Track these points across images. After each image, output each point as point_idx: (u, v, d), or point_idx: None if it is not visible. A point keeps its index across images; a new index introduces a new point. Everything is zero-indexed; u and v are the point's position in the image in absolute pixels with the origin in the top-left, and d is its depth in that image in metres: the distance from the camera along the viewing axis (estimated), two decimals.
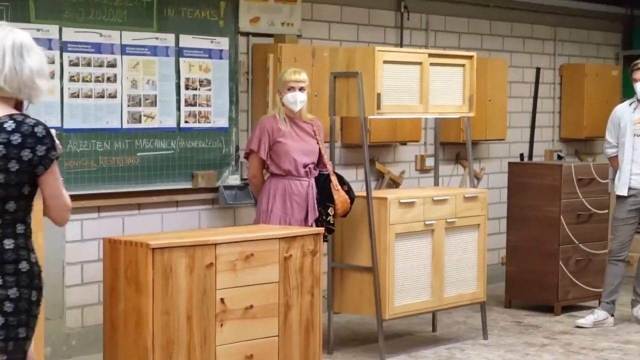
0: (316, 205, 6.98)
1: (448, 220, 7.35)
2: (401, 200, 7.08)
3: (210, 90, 7.53)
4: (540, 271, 8.67)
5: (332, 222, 7.02)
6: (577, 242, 8.67)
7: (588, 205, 8.74)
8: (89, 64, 6.84)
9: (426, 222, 7.21)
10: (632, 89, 8.24)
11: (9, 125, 3.76)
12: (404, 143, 9.07)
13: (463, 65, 7.58)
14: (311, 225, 6.84)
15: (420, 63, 7.26)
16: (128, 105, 7.09)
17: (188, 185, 7.45)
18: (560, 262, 8.59)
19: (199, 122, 7.48)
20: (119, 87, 7.03)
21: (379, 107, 6.98)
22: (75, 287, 6.87)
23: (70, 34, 6.74)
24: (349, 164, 8.60)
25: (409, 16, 9.08)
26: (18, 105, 3.87)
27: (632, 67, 8.28)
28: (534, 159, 10.37)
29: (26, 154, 3.75)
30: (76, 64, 6.78)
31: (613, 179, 8.53)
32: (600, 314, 8.24)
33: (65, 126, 6.69)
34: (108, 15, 6.94)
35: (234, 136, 7.68)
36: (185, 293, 5.48)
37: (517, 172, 8.93)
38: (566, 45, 10.78)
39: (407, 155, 9.22)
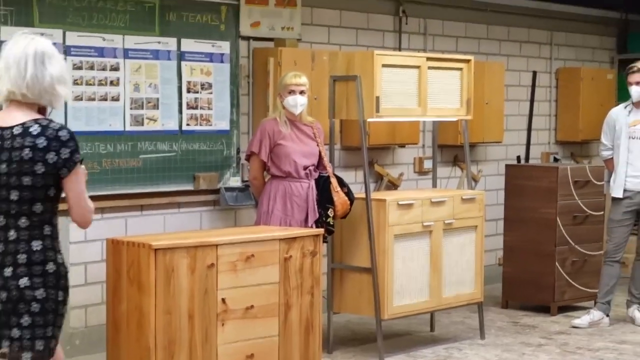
0: (316, 207, 6.98)
1: (446, 221, 7.36)
2: (400, 202, 7.08)
3: (211, 93, 7.53)
4: (536, 272, 8.67)
5: (331, 223, 7.02)
6: (573, 244, 8.67)
7: (584, 207, 8.74)
8: (92, 68, 6.84)
9: (424, 224, 7.22)
10: (627, 92, 8.24)
11: (35, 129, 3.86)
12: (402, 145, 9.07)
13: (461, 69, 7.59)
14: (311, 227, 6.85)
15: (418, 67, 7.27)
16: (130, 108, 7.09)
17: (190, 187, 7.45)
18: (557, 263, 8.60)
19: (200, 124, 7.48)
20: (121, 90, 7.03)
21: (377, 110, 6.98)
22: (79, 287, 6.87)
23: (74, 38, 6.75)
24: (348, 166, 8.61)
25: (407, 20, 9.09)
26: (41, 110, 3.97)
27: (627, 71, 8.28)
28: (531, 162, 10.37)
29: (51, 156, 3.85)
30: (79, 68, 6.78)
31: (608, 181, 8.53)
32: (596, 314, 8.24)
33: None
34: (111, 20, 6.95)
35: (235, 139, 7.68)
36: (187, 293, 5.48)
37: (514, 174, 8.93)
38: (562, 49, 10.79)
39: (405, 157, 9.22)
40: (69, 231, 6.49)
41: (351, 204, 7.05)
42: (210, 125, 7.53)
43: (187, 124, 7.42)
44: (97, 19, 6.87)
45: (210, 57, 7.52)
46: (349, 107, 7.10)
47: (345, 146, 8.54)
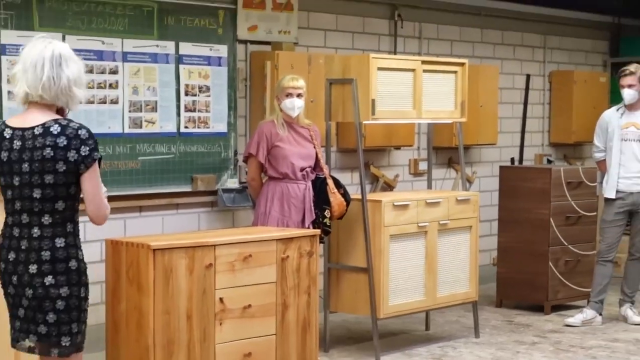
0: (313, 208, 6.98)
1: (441, 222, 7.35)
2: (395, 203, 7.08)
3: (209, 96, 7.53)
4: (530, 272, 8.67)
5: (328, 224, 7.02)
6: (566, 244, 8.67)
7: (577, 208, 8.74)
8: (91, 71, 6.84)
9: (419, 224, 7.21)
10: (620, 95, 8.24)
11: (55, 128, 3.97)
12: (398, 147, 9.07)
13: (455, 72, 7.58)
14: (308, 227, 6.85)
15: (413, 70, 7.26)
16: (129, 111, 7.09)
17: (188, 189, 7.45)
18: (550, 263, 8.59)
19: (198, 127, 7.48)
20: (120, 93, 7.03)
21: (373, 113, 6.98)
22: None
23: (73, 42, 6.73)
24: (345, 167, 8.61)
25: (402, 24, 9.09)
26: (59, 111, 4.07)
27: (619, 74, 8.28)
28: (524, 163, 10.37)
29: (72, 154, 3.96)
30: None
31: (601, 182, 8.53)
32: (588, 313, 8.24)
33: None
34: (110, 24, 6.95)
35: (233, 141, 7.68)
36: (186, 293, 5.47)
37: (508, 175, 8.93)
38: (555, 53, 10.79)
39: (401, 159, 9.22)
40: None
41: (347, 205, 7.05)
42: (208, 127, 7.53)
43: (185, 127, 7.41)
44: (97, 22, 6.87)
45: (208, 61, 7.52)
46: (345, 109, 7.09)
47: (342, 148, 8.54)
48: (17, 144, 4.02)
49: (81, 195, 4.08)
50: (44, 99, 4.00)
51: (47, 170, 3.96)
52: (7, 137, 4.06)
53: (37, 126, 3.99)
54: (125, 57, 7.05)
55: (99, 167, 4.06)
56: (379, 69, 7.02)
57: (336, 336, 7.60)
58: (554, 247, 8.61)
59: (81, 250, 4.10)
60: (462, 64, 7.64)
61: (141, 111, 7.16)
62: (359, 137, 7.10)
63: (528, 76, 10.44)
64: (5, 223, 4.12)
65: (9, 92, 6.49)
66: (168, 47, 7.29)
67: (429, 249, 7.28)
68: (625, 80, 8.16)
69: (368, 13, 8.86)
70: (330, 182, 7.04)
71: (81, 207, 4.12)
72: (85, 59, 6.76)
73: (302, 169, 6.98)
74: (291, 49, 8.01)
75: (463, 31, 9.75)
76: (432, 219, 7.29)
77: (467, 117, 7.76)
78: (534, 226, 8.64)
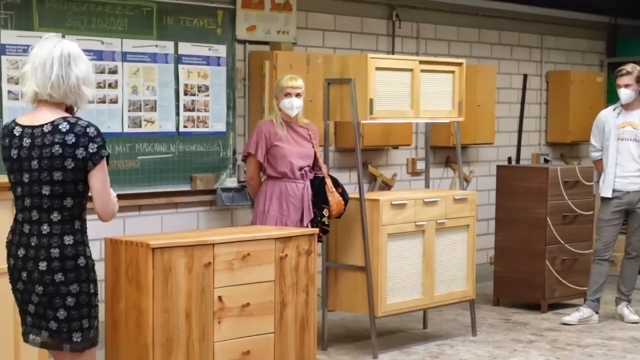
0: (311, 207, 6.98)
1: (438, 221, 7.35)
2: (393, 202, 7.08)
3: (208, 96, 7.53)
4: (527, 270, 8.67)
5: (326, 223, 7.02)
6: (563, 243, 8.68)
7: (574, 207, 8.74)
8: None
9: (417, 223, 7.21)
10: (617, 94, 8.25)
11: (64, 126, 4.01)
12: (395, 147, 9.07)
13: (453, 72, 7.58)
14: (306, 226, 6.85)
15: (411, 70, 7.26)
16: (129, 111, 7.09)
17: (187, 188, 7.45)
18: (547, 262, 8.59)
19: (197, 126, 7.48)
20: (119, 92, 7.03)
21: (371, 112, 6.98)
22: None
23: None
24: (343, 167, 8.61)
25: (400, 25, 9.09)
26: (68, 110, 4.12)
27: (616, 74, 8.28)
28: (522, 162, 10.37)
29: (80, 152, 4.01)
30: None
31: (598, 182, 8.53)
32: (585, 311, 8.24)
33: None
34: (109, 24, 6.94)
35: (231, 140, 7.68)
36: (185, 291, 5.47)
37: (505, 175, 8.93)
38: (552, 53, 10.79)
39: (398, 158, 9.22)
40: None
41: (346, 204, 7.05)
42: (207, 127, 7.53)
43: (184, 126, 7.41)
44: (96, 23, 6.86)
45: (207, 61, 7.51)
46: (343, 109, 7.09)
47: (340, 147, 8.54)
48: (26, 141, 4.06)
49: (89, 194, 4.12)
50: (53, 97, 4.04)
51: (55, 167, 4.00)
52: (17, 134, 4.09)
53: (46, 124, 4.02)
54: (125, 57, 7.05)
55: (107, 164, 4.11)
56: (377, 68, 7.02)
57: (334, 334, 7.60)
58: (551, 246, 8.62)
59: (89, 247, 4.14)
60: (460, 64, 7.64)
61: (140, 111, 7.16)
62: (357, 137, 7.10)
63: (525, 76, 10.44)
64: (15, 220, 4.17)
65: (8, 92, 6.49)
66: (167, 47, 7.28)
67: (427, 247, 7.28)
68: (622, 80, 8.16)
69: (366, 13, 8.86)
70: (328, 181, 7.04)
71: (89, 205, 4.17)
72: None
73: (300, 168, 6.98)
74: (290, 49, 8.01)
75: (460, 31, 9.75)
76: (429, 218, 7.29)
77: (465, 117, 7.76)
78: (531, 225, 8.64)
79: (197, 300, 5.52)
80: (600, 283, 8.24)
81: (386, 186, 9.01)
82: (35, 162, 4.03)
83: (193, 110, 7.45)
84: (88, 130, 4.03)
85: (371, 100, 6.96)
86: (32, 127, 4.05)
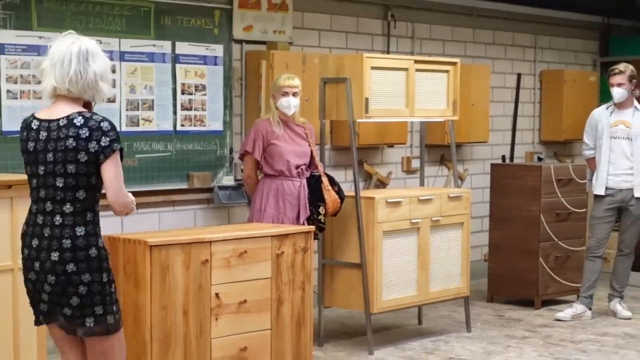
0: (308, 205, 6.98)
1: (433, 218, 7.35)
2: (388, 200, 7.08)
3: (205, 95, 7.52)
4: (521, 267, 8.67)
5: (322, 220, 7.02)
6: (556, 240, 8.68)
7: (567, 205, 8.74)
8: None
9: (412, 221, 7.21)
10: (609, 94, 8.25)
11: (78, 120, 4.10)
12: (390, 145, 9.06)
13: (447, 71, 7.58)
14: (303, 224, 6.84)
15: (406, 69, 7.26)
16: (127, 109, 7.08)
17: (184, 186, 7.44)
18: (541, 259, 8.60)
19: (194, 125, 7.47)
20: (117, 92, 7.02)
21: (367, 111, 6.98)
22: None
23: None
24: (339, 165, 8.60)
25: (395, 25, 9.09)
26: (86, 105, 4.21)
27: (608, 73, 8.29)
28: (515, 161, 10.38)
29: (93, 145, 4.09)
30: None
31: (591, 180, 8.54)
32: (578, 307, 8.25)
33: None
34: (107, 24, 6.93)
35: (228, 139, 7.68)
36: (182, 288, 5.46)
37: (499, 173, 8.93)
38: (546, 53, 10.79)
39: (394, 157, 9.22)
40: None
41: (342, 202, 7.05)
42: (204, 126, 7.53)
43: (182, 125, 7.41)
44: (94, 22, 6.85)
45: (204, 60, 7.51)
46: (339, 108, 7.09)
47: (336, 146, 8.53)
48: (43, 134, 4.15)
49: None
50: (71, 92, 4.13)
51: (69, 160, 4.08)
52: (34, 128, 4.19)
53: (62, 118, 4.11)
54: (123, 56, 7.04)
55: (121, 159, 4.18)
56: (373, 68, 7.02)
57: (330, 331, 7.60)
58: (544, 243, 8.62)
59: (101, 238, 4.21)
60: (454, 64, 7.64)
61: (138, 110, 7.15)
62: (353, 135, 7.09)
63: (519, 75, 10.44)
64: (30, 211, 4.25)
65: (7, 91, 6.48)
66: (165, 46, 7.28)
67: (422, 245, 7.27)
68: (615, 79, 8.16)
69: (362, 13, 8.86)
70: (324, 179, 7.04)
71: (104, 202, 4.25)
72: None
73: (297, 167, 6.98)
74: (286, 48, 8.01)
75: (455, 31, 9.75)
76: (424, 216, 7.28)
77: (459, 116, 7.76)
78: (525, 222, 8.64)
79: (194, 297, 5.52)
80: (593, 280, 8.24)
81: (381, 184, 9.00)
82: (50, 155, 4.11)
83: (190, 109, 7.44)
84: (102, 124, 4.11)
85: (367, 99, 6.95)
86: (49, 121, 4.15)
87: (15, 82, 6.49)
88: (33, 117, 4.23)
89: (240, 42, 7.84)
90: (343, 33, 8.71)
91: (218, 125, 7.61)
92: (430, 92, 7.43)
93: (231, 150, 7.67)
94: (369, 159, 8.96)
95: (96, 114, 4.15)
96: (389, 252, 7.06)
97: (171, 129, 7.35)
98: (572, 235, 8.83)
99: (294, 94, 6.96)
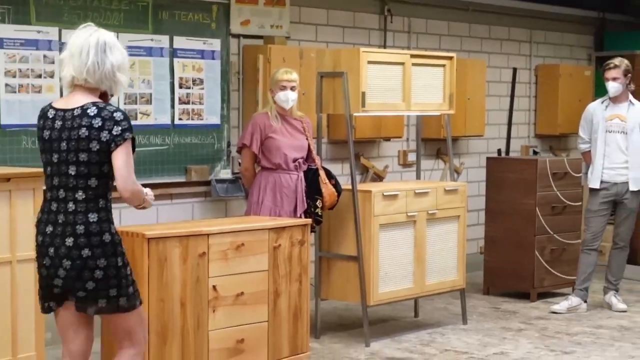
0: (305, 198, 6.97)
1: (429, 212, 7.34)
2: (385, 193, 7.07)
3: (202, 89, 7.51)
4: (516, 260, 8.66)
5: (319, 213, 7.01)
6: (552, 233, 8.67)
7: (562, 198, 8.74)
8: None
9: (408, 214, 7.20)
10: (605, 88, 8.24)
11: (92, 110, 4.19)
12: (387, 139, 9.05)
13: (443, 66, 7.57)
14: (300, 217, 6.83)
15: (402, 63, 7.25)
16: (124, 103, 7.06)
17: (182, 179, 7.43)
18: (536, 252, 8.59)
19: (192, 119, 7.46)
20: None
21: (363, 105, 6.96)
22: None
23: (69, 36, 6.69)
24: (335, 158, 8.59)
25: (392, 19, 9.07)
26: (103, 96, 4.29)
27: (604, 67, 8.28)
28: (511, 154, 10.37)
29: (105, 134, 4.17)
30: None
31: (586, 173, 8.53)
32: (574, 300, 8.24)
33: None
34: (105, 18, 6.91)
35: (226, 132, 7.67)
36: (179, 281, 5.46)
37: (495, 166, 8.92)
38: (541, 47, 10.78)
39: (390, 150, 9.21)
40: None
41: (338, 195, 7.04)
42: (202, 119, 7.52)
43: (179, 119, 7.39)
44: (92, 17, 6.82)
45: (202, 54, 7.49)
46: (336, 102, 7.08)
47: (333, 140, 8.52)
48: (58, 123, 4.23)
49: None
50: (88, 82, 4.22)
51: (81, 149, 4.16)
52: (50, 117, 4.28)
53: (77, 108, 4.20)
54: None
55: (134, 148, 4.26)
56: (369, 62, 7.00)
57: (327, 323, 7.59)
58: (540, 236, 8.61)
59: (113, 224, 4.28)
60: (450, 58, 7.63)
61: (136, 103, 7.14)
62: (350, 129, 7.08)
63: (514, 70, 10.43)
64: (45, 198, 4.33)
65: (6, 85, 6.46)
66: (162, 41, 7.26)
67: (418, 238, 7.27)
68: (610, 74, 8.15)
69: (358, 8, 8.84)
70: (322, 173, 7.03)
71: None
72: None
73: (294, 160, 6.97)
74: (283, 43, 7.99)
75: (451, 26, 9.73)
76: (420, 209, 7.28)
77: (455, 110, 7.75)
78: (521, 216, 8.64)
79: (191, 290, 5.51)
80: (589, 272, 8.24)
81: (378, 178, 8.99)
82: (64, 144, 4.19)
83: (188, 103, 7.43)
84: (115, 114, 4.18)
85: (363, 93, 6.94)
86: (64, 111, 4.23)
87: (14, 76, 6.48)
88: (50, 106, 4.32)
89: (237, 36, 7.83)
90: (340, 28, 8.70)
91: (215, 119, 7.60)
92: (426, 86, 7.42)
93: (229, 144, 7.66)
94: (366, 153, 8.95)
95: (110, 105, 4.23)
96: (385, 245, 7.06)
97: (169, 122, 7.34)
98: (568, 229, 8.82)
99: (292, 88, 6.95)
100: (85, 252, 4.18)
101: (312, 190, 6.98)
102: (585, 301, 8.28)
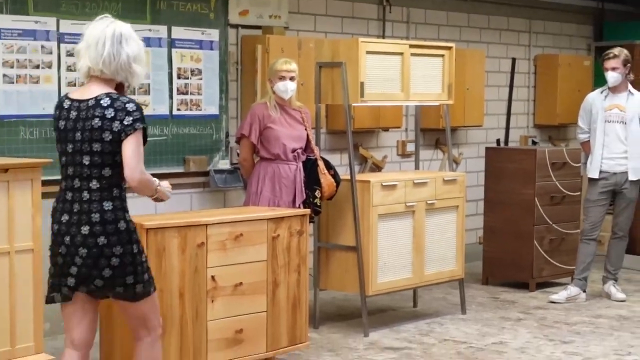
0: (303, 188, 6.96)
1: (428, 202, 7.34)
2: (383, 183, 7.06)
3: (201, 79, 7.49)
4: (515, 250, 8.66)
5: (318, 204, 7.00)
6: (550, 223, 8.67)
7: (561, 188, 8.73)
8: None
9: (407, 204, 7.20)
10: (604, 78, 8.23)
11: (105, 101, 4.25)
12: (386, 129, 9.04)
13: (442, 56, 7.55)
14: (298, 207, 6.83)
15: (401, 53, 7.23)
16: None
17: (180, 170, 7.42)
18: (535, 242, 8.59)
19: (190, 109, 7.45)
20: None
21: (362, 95, 6.95)
22: None
23: (67, 26, 6.69)
24: (334, 149, 8.58)
25: (390, 9, 9.06)
26: (119, 87, 4.35)
27: (603, 57, 8.27)
28: (510, 144, 10.36)
29: (116, 125, 4.23)
30: (73, 55, 6.71)
31: (585, 163, 8.52)
32: (572, 290, 8.24)
33: None
34: (103, 8, 6.88)
35: (224, 123, 7.65)
36: (178, 271, 5.45)
37: (494, 156, 8.91)
38: (540, 37, 10.76)
39: (389, 140, 9.19)
40: None
41: (337, 185, 7.03)
42: (200, 110, 7.50)
43: (178, 109, 7.38)
44: (90, 7, 6.81)
45: (200, 45, 7.47)
46: (335, 92, 7.06)
47: (331, 130, 8.51)
48: (73, 114, 4.30)
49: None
50: (104, 73, 4.27)
51: (94, 139, 4.23)
52: (66, 107, 4.35)
53: (91, 99, 4.27)
54: None
55: (145, 139, 4.29)
56: (368, 52, 6.99)
57: (326, 313, 7.59)
58: (539, 226, 8.61)
59: (128, 213, 4.37)
60: (449, 48, 7.61)
61: (134, 94, 7.11)
62: (348, 119, 7.07)
63: (513, 60, 10.41)
64: (60, 188, 4.39)
65: (4, 75, 6.44)
66: (161, 31, 7.24)
67: (417, 228, 7.26)
68: (609, 63, 8.14)
69: None
70: (320, 163, 7.02)
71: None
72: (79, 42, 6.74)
73: (293, 150, 6.96)
74: (282, 33, 7.97)
75: (450, 16, 9.71)
76: (419, 199, 7.27)
77: (454, 100, 7.73)
78: (520, 206, 8.63)
79: (190, 280, 5.50)
80: (588, 262, 8.24)
81: (377, 168, 8.99)
82: (78, 134, 4.27)
83: (186, 93, 7.41)
84: (127, 105, 4.23)
85: (362, 83, 6.93)
86: (80, 101, 4.29)
87: (12, 67, 6.46)
88: (66, 96, 4.39)
89: (236, 26, 7.81)
90: (338, 18, 8.68)
91: (214, 110, 7.58)
92: (425, 76, 7.41)
93: (227, 134, 7.65)
94: (365, 143, 8.94)
95: (123, 96, 4.27)
96: (384, 235, 7.05)
97: (167, 113, 7.32)
98: (567, 219, 8.82)
99: (291, 78, 6.93)
100: (101, 239, 4.24)
101: (311, 180, 6.97)
102: (584, 291, 8.28)
